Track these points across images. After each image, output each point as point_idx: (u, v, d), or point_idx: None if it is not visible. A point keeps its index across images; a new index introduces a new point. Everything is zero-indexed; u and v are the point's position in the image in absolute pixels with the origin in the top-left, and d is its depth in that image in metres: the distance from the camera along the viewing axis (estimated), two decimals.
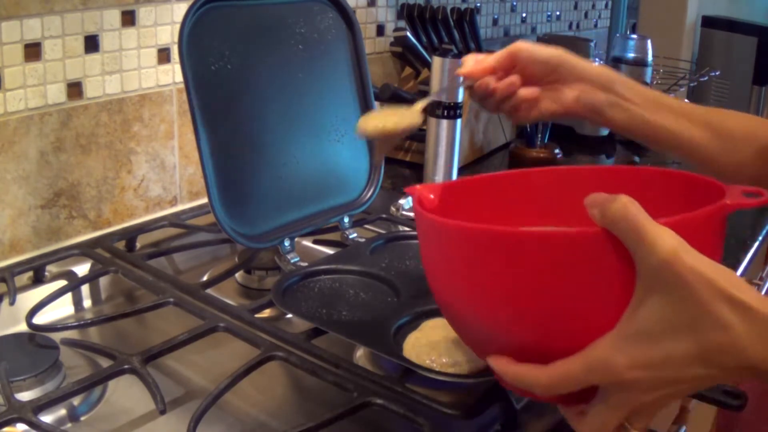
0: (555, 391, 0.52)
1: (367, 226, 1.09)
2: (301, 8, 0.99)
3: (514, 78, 0.81)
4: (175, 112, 1.14)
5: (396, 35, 1.47)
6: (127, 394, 0.75)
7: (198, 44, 0.87)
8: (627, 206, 0.48)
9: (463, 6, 1.55)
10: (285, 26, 0.97)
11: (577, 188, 0.66)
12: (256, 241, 0.93)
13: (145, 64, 1.08)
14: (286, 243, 0.95)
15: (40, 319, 0.83)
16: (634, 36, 1.90)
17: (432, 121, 1.29)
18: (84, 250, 0.97)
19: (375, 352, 0.76)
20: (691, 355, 0.47)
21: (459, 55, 1.27)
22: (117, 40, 1.04)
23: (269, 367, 0.76)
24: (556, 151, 1.53)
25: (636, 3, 2.50)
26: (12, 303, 0.86)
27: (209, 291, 0.89)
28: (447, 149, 1.28)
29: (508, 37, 1.93)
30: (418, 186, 0.66)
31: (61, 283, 0.92)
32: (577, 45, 1.76)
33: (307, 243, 1.08)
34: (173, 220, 1.08)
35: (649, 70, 1.84)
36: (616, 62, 1.85)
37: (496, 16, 1.87)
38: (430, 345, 0.74)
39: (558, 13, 2.13)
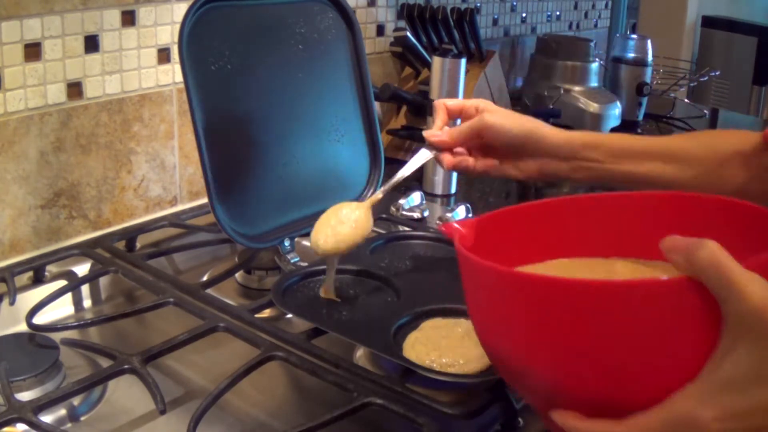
0: None
1: None
2: (301, 8, 0.99)
3: (490, 162, 0.86)
4: (175, 112, 1.14)
5: (396, 35, 1.47)
6: (127, 394, 0.75)
7: (198, 44, 0.87)
8: (715, 253, 0.47)
9: (463, 6, 1.55)
10: (285, 26, 0.97)
11: (623, 216, 0.66)
12: (256, 241, 0.93)
13: (145, 64, 1.08)
14: (286, 243, 0.95)
15: (40, 319, 0.83)
16: (634, 36, 1.90)
17: (432, 121, 1.29)
18: (84, 250, 0.97)
19: (375, 352, 0.76)
20: None
21: (459, 55, 1.28)
22: (117, 40, 1.04)
23: (269, 367, 0.76)
24: None
25: (636, 3, 2.49)
26: (12, 303, 0.86)
27: (209, 291, 0.89)
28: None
29: (507, 37, 1.93)
30: (453, 224, 0.64)
31: (61, 283, 0.92)
32: (577, 45, 1.77)
33: (307, 243, 1.08)
34: (173, 220, 1.08)
35: (649, 70, 1.84)
36: (616, 62, 1.86)
37: (496, 16, 1.87)
38: (430, 345, 0.74)
39: (558, 13, 2.13)
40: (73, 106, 1.00)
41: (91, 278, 0.94)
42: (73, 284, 0.92)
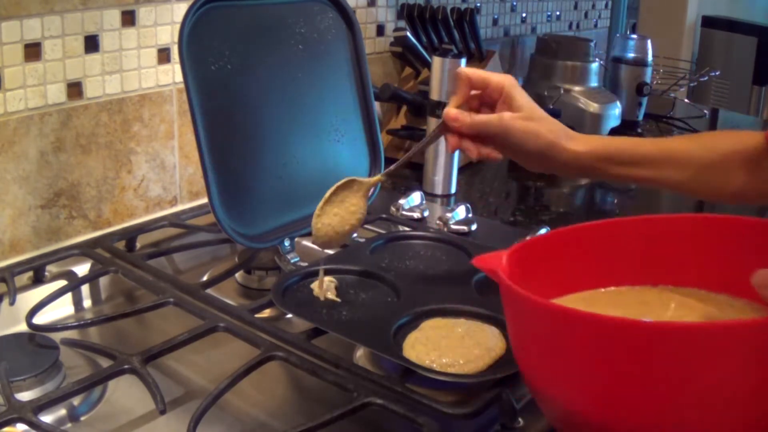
0: None
1: (367, 226, 1.09)
2: (301, 8, 0.99)
3: (495, 154, 0.82)
4: (175, 112, 1.14)
5: (396, 35, 1.47)
6: (127, 394, 0.75)
7: (198, 44, 0.87)
8: None
9: (463, 6, 1.55)
10: (285, 26, 0.97)
11: (663, 241, 0.65)
12: (256, 241, 0.93)
13: (145, 64, 1.08)
14: (286, 243, 0.95)
15: (40, 319, 0.83)
16: (634, 36, 1.90)
17: (432, 121, 1.30)
18: (84, 250, 0.97)
19: (375, 352, 0.76)
20: None
21: (459, 55, 1.28)
22: (117, 40, 1.04)
23: (269, 367, 0.76)
24: None
25: (636, 3, 2.49)
26: (12, 303, 0.86)
27: (209, 291, 0.89)
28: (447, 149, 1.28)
29: (507, 37, 1.93)
30: (486, 256, 0.62)
31: (61, 283, 0.92)
32: (577, 45, 1.76)
33: (307, 243, 1.08)
34: (173, 220, 1.08)
35: (649, 70, 1.84)
36: (616, 62, 1.86)
37: (496, 16, 1.87)
38: (430, 345, 0.74)
39: (558, 13, 2.13)
40: (73, 106, 1.00)
41: (91, 278, 0.94)
42: (73, 284, 0.92)
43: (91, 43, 1.01)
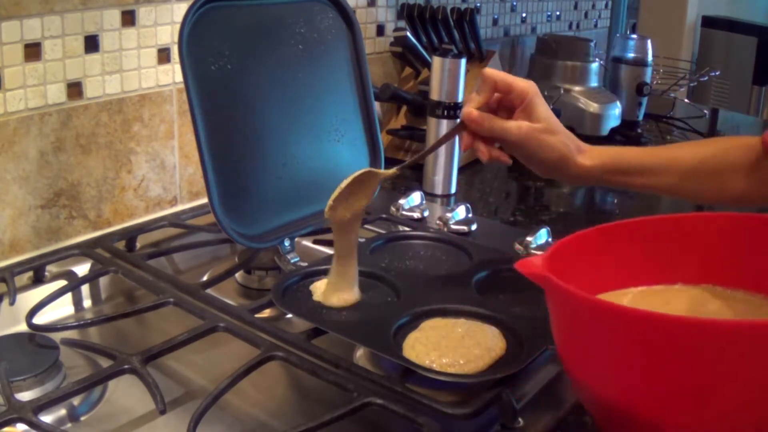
0: None
1: (367, 226, 1.09)
2: (301, 8, 0.99)
3: (504, 158, 0.83)
4: (175, 112, 1.14)
5: (396, 35, 1.47)
6: (127, 394, 0.75)
7: (198, 44, 0.87)
8: None
9: (463, 6, 1.55)
10: (285, 26, 0.97)
11: (698, 239, 0.65)
12: (256, 241, 0.93)
13: (145, 64, 1.08)
14: (286, 243, 0.95)
15: (40, 319, 0.83)
16: (634, 36, 1.90)
17: (432, 120, 1.30)
18: (84, 250, 0.97)
19: (375, 352, 0.76)
20: None
21: (459, 55, 1.28)
22: (117, 40, 1.04)
23: (269, 367, 0.76)
24: None
25: (636, 3, 2.50)
26: (12, 303, 0.86)
27: (209, 291, 0.89)
28: (447, 149, 1.29)
29: (507, 37, 1.93)
30: (528, 261, 0.62)
31: (61, 283, 0.92)
32: (577, 45, 1.77)
33: (307, 243, 1.08)
34: (173, 220, 1.08)
35: (649, 70, 1.84)
36: (616, 62, 1.86)
37: (496, 16, 1.87)
38: (430, 345, 0.74)
39: (558, 13, 2.13)
40: (73, 106, 1.00)
41: (91, 278, 0.94)
42: (73, 284, 0.92)
43: (91, 43, 1.01)
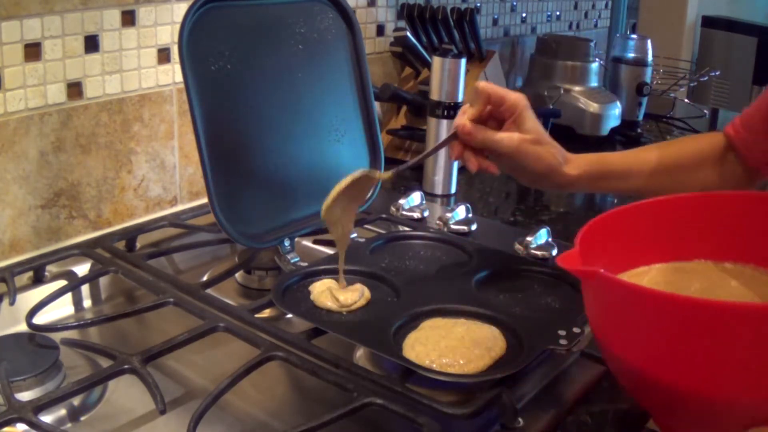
0: None
1: (367, 226, 1.09)
2: (301, 8, 0.99)
3: (493, 168, 0.86)
4: (175, 112, 1.14)
5: (396, 35, 1.47)
6: (127, 394, 0.75)
7: (198, 44, 0.87)
8: None
9: (463, 6, 1.55)
10: (285, 26, 0.97)
11: (718, 217, 0.68)
12: (256, 241, 0.93)
13: (145, 64, 1.08)
14: (286, 243, 0.95)
15: (40, 319, 0.83)
16: (634, 36, 1.90)
17: (432, 121, 1.30)
18: (84, 250, 0.97)
19: (375, 352, 0.76)
20: None
21: (459, 55, 1.28)
22: (117, 40, 1.04)
23: (269, 367, 0.76)
24: None
25: (636, 3, 2.50)
26: (12, 303, 0.86)
27: (209, 291, 0.89)
28: (447, 149, 1.28)
29: (507, 37, 1.93)
30: (568, 256, 0.63)
31: (61, 283, 0.92)
32: (577, 45, 1.77)
33: (307, 243, 1.08)
34: (173, 220, 1.08)
35: (649, 70, 1.84)
36: (616, 62, 1.86)
37: (496, 16, 1.87)
38: (430, 345, 0.74)
39: (558, 13, 2.13)
40: (73, 106, 1.00)
41: (91, 278, 0.94)
42: (73, 284, 0.92)
43: (91, 43, 1.01)
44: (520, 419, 0.70)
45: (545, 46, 1.78)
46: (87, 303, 0.95)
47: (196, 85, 0.86)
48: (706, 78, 2.01)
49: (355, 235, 1.03)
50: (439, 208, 1.24)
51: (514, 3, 1.93)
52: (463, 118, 0.83)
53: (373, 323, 0.79)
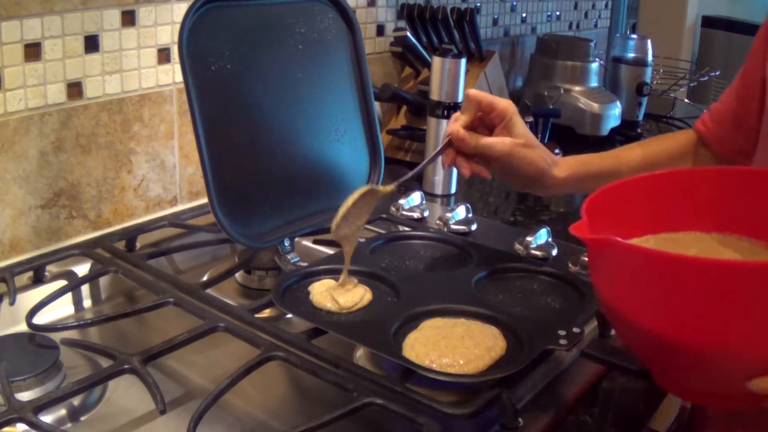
0: None
1: (367, 226, 1.09)
2: (301, 8, 0.99)
3: (485, 172, 0.88)
4: (175, 112, 1.14)
5: (396, 35, 1.47)
6: (127, 394, 0.75)
7: (198, 44, 0.87)
8: None
9: (463, 6, 1.55)
10: (285, 26, 0.97)
11: (712, 191, 0.72)
12: (256, 241, 0.93)
13: (145, 64, 1.08)
14: (286, 243, 0.95)
15: (40, 319, 0.83)
16: (634, 36, 1.90)
17: (432, 121, 1.30)
18: (84, 250, 0.97)
19: (375, 352, 0.76)
20: None
21: (459, 55, 1.28)
22: (117, 40, 1.04)
23: (269, 367, 0.76)
24: (557, 150, 1.53)
25: (636, 3, 2.50)
26: (12, 303, 0.86)
27: (209, 291, 0.89)
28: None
29: (507, 37, 1.94)
30: (579, 225, 0.65)
31: (61, 283, 0.92)
32: (577, 45, 1.77)
33: (307, 243, 1.08)
34: (173, 220, 1.08)
35: (649, 70, 1.84)
36: (616, 62, 1.86)
37: (496, 16, 1.87)
38: (430, 345, 0.74)
39: (558, 13, 2.13)
40: (73, 106, 1.00)
41: (91, 278, 0.94)
42: (73, 284, 0.92)
43: (91, 43, 1.01)
44: (520, 419, 0.70)
45: (545, 46, 1.78)
46: (87, 303, 0.95)
47: (196, 85, 0.86)
48: (706, 78, 2.02)
49: None
50: (439, 208, 1.24)
51: (514, 3, 1.93)
52: (456, 125, 0.86)
53: (373, 323, 0.79)
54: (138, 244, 1.04)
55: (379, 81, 1.48)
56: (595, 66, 1.74)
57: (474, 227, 1.11)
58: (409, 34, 1.46)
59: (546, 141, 1.54)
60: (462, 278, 0.89)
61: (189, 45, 0.86)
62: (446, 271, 0.93)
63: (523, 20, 1.99)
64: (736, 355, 0.57)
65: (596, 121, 1.67)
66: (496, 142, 0.86)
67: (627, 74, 1.83)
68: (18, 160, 0.96)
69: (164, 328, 0.85)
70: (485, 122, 0.88)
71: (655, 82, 1.92)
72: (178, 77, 1.11)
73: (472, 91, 0.87)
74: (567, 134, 1.64)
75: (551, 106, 1.66)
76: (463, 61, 1.26)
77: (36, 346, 0.79)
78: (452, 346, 0.74)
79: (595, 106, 1.67)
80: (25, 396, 0.71)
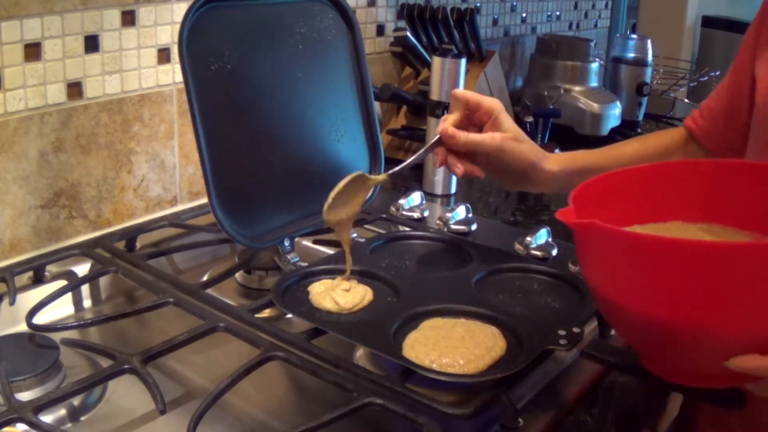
0: None
1: (367, 226, 1.09)
2: (301, 8, 0.99)
3: (477, 171, 0.89)
4: (175, 112, 1.14)
5: (396, 35, 1.47)
6: (127, 394, 0.75)
7: (198, 44, 0.87)
8: None
9: (463, 6, 1.55)
10: (285, 26, 0.97)
11: (700, 183, 0.73)
12: (256, 241, 0.93)
13: (145, 64, 1.08)
14: (286, 243, 0.95)
15: (40, 319, 0.83)
16: (634, 36, 1.91)
17: (432, 120, 1.30)
18: (84, 250, 0.97)
19: (375, 352, 0.76)
20: None
21: (459, 55, 1.28)
22: (117, 40, 1.04)
23: (269, 367, 0.76)
24: (557, 150, 1.53)
25: (636, 3, 2.50)
26: (12, 303, 0.86)
27: (209, 291, 0.89)
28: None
29: (507, 37, 1.94)
30: (565, 211, 0.67)
31: (61, 283, 0.92)
32: (577, 45, 1.77)
33: (307, 243, 1.08)
34: (173, 220, 1.08)
35: (649, 70, 1.84)
36: (616, 62, 1.86)
37: (496, 16, 1.87)
38: (430, 345, 0.74)
39: (558, 13, 2.13)
40: (73, 106, 1.01)
41: (91, 278, 0.94)
42: (73, 284, 0.92)
43: (91, 43, 1.01)
44: (520, 419, 0.70)
45: (545, 46, 1.78)
46: (87, 303, 0.95)
47: (196, 85, 0.86)
48: (706, 78, 2.01)
49: (355, 235, 1.03)
50: (439, 208, 1.24)
51: (514, 3, 1.93)
52: (446, 124, 0.87)
53: (373, 323, 0.79)
54: (138, 244, 1.04)
55: (379, 81, 1.48)
56: (595, 66, 1.74)
57: (474, 227, 1.11)
58: (409, 34, 1.46)
59: (546, 141, 1.54)
60: (462, 278, 0.89)
61: (189, 45, 0.86)
62: (446, 271, 0.92)
63: (523, 20, 1.99)
64: (713, 333, 0.58)
65: (596, 121, 1.67)
66: (486, 137, 0.87)
67: (627, 74, 1.83)
68: (18, 160, 0.96)
69: (164, 328, 0.85)
70: (474, 121, 0.90)
71: (655, 82, 1.92)
72: (178, 77, 1.11)
73: (459, 90, 0.89)
74: (567, 134, 1.64)
75: (551, 106, 1.66)
76: (463, 61, 1.26)
77: (36, 346, 0.79)
78: (452, 346, 0.74)
79: (595, 106, 1.67)
80: (25, 396, 0.71)
